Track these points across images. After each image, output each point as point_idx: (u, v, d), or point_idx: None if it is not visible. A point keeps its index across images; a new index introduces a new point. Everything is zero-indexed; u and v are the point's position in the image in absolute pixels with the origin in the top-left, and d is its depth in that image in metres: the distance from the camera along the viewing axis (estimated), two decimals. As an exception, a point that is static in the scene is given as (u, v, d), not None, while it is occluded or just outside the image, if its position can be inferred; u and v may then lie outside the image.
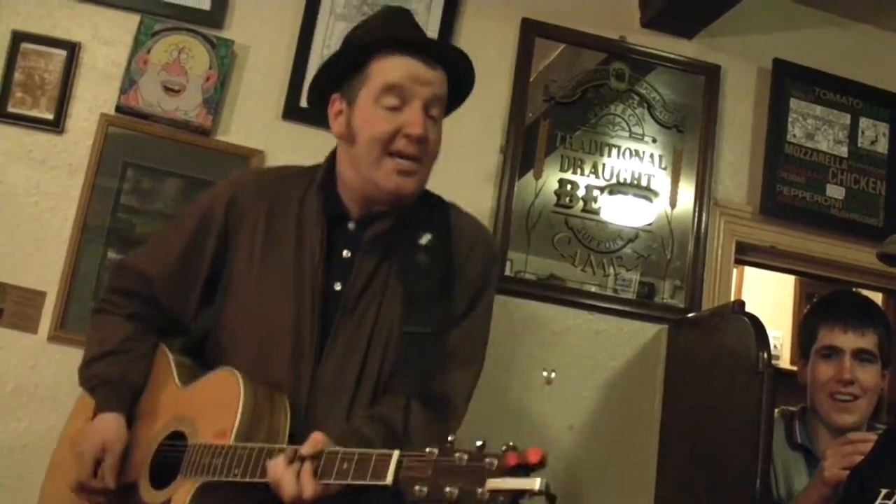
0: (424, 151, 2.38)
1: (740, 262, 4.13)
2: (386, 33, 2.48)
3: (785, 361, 6.26)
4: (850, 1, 4.19)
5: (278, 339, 2.38)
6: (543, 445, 3.53)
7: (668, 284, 3.82)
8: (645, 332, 3.78)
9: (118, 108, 3.46)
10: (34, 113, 3.42)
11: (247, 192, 2.57)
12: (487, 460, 1.67)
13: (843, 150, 4.14)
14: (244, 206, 2.54)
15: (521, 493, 1.64)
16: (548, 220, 3.74)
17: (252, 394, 2.23)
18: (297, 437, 2.19)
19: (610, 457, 3.66)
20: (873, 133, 4.19)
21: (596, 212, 3.80)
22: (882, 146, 4.19)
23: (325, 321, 2.38)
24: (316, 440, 2.04)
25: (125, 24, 3.53)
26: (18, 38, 3.45)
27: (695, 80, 4.02)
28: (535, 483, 1.62)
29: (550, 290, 3.72)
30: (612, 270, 3.76)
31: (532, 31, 3.86)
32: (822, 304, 3.43)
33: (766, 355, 3.13)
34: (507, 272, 3.63)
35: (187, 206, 2.83)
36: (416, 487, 1.73)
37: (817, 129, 4.12)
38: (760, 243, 4.02)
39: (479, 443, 1.72)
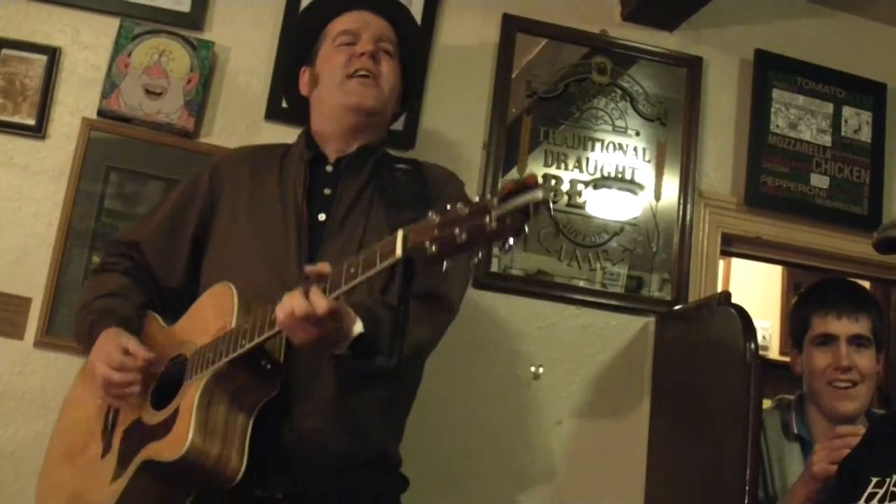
0: (380, 73, 2.68)
1: (726, 253, 4.12)
2: None
3: (774, 352, 6.27)
4: (831, -10, 4.20)
5: (265, 267, 2.47)
6: (532, 441, 3.58)
7: (655, 277, 3.82)
8: (632, 326, 3.78)
9: (100, 112, 3.44)
10: (15, 119, 3.41)
11: (230, 160, 2.85)
12: (487, 198, 1.73)
13: (827, 140, 4.14)
14: (228, 170, 2.76)
15: (526, 213, 1.67)
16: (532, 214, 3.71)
17: (245, 294, 2.33)
18: (291, 350, 2.27)
19: (599, 451, 3.66)
20: (856, 122, 4.19)
21: (581, 206, 3.79)
22: (865, 134, 4.20)
23: (313, 249, 2.49)
24: (321, 265, 2.09)
25: (105, 28, 3.52)
26: (-2, 44, 3.44)
27: (677, 72, 4.02)
28: (539, 192, 1.67)
29: (537, 286, 3.71)
30: (598, 264, 3.76)
31: (513, 27, 3.85)
32: (812, 293, 3.43)
33: (753, 346, 3.12)
34: (494, 269, 3.63)
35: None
36: (426, 245, 1.78)
37: (800, 118, 4.12)
38: (746, 234, 4.02)
39: (475, 198, 1.78)
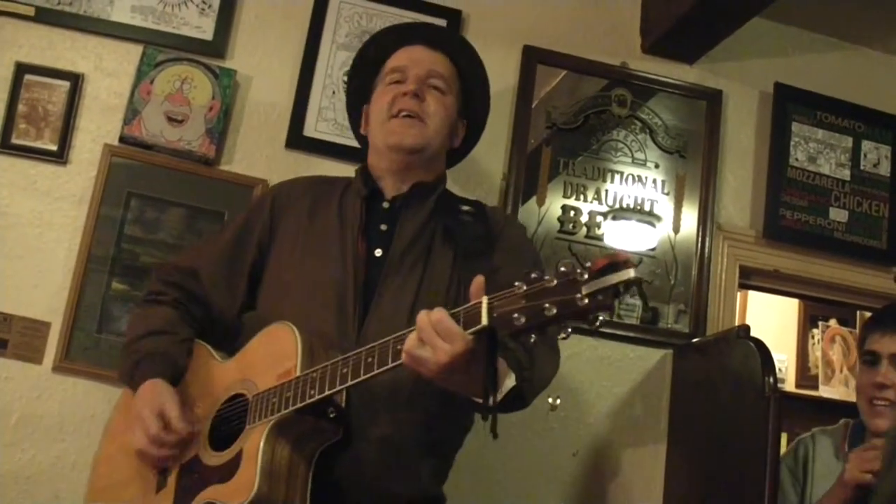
0: (424, 111, 2.65)
1: (744, 286, 4.12)
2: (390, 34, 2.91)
3: (790, 385, 6.25)
4: (851, 24, 4.21)
5: (322, 302, 2.44)
6: (548, 472, 3.56)
7: (671, 309, 3.81)
8: (650, 358, 3.77)
9: (122, 139, 3.46)
10: (38, 144, 3.43)
11: (291, 189, 2.79)
12: (578, 271, 1.71)
13: (846, 174, 4.15)
14: (289, 200, 2.73)
15: (617, 290, 1.67)
16: (551, 246, 3.73)
17: (307, 337, 2.28)
18: (348, 393, 2.24)
19: (615, 483, 3.65)
20: (875, 156, 4.20)
21: (599, 237, 3.79)
22: (884, 169, 4.20)
23: (368, 285, 2.47)
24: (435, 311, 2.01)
25: (128, 55, 3.55)
26: (22, 69, 3.46)
27: (696, 105, 4.03)
28: (631, 272, 1.66)
29: (555, 316, 3.69)
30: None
31: (533, 58, 3.88)
32: (872, 315, 3.45)
33: (772, 380, 3.12)
34: (512, 299, 3.63)
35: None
36: (514, 317, 1.77)
37: (819, 152, 4.12)
38: (764, 267, 4.02)
39: (561, 268, 1.75)
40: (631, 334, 3.76)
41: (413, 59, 2.73)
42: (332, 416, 2.21)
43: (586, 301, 1.68)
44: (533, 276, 1.78)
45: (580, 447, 3.65)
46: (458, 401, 2.20)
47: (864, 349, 3.26)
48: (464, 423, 2.61)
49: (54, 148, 3.44)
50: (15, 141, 3.42)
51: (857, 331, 5.56)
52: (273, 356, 2.31)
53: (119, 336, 3.28)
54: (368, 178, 2.70)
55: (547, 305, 1.72)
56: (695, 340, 3.75)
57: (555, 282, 1.73)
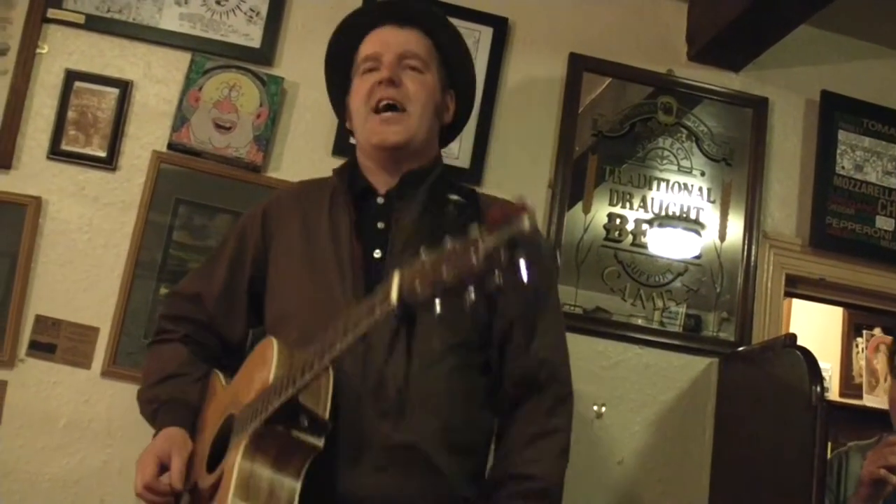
0: (404, 97, 2.47)
1: (790, 294, 4.10)
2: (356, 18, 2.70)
3: (834, 394, 6.20)
4: (898, 32, 4.19)
5: (325, 310, 2.27)
6: (593, 480, 3.54)
7: (714, 317, 3.80)
8: (695, 366, 3.76)
9: (170, 146, 3.49)
10: (87, 150, 3.47)
11: (279, 203, 2.67)
12: (473, 233, 1.57)
13: (893, 182, 4.12)
14: (278, 214, 2.62)
15: (515, 244, 1.51)
16: (597, 253, 3.74)
17: (286, 347, 2.19)
18: (353, 382, 2.22)
19: (660, 492, 3.64)
20: (922, 164, 4.17)
21: (645, 245, 3.80)
22: (931, 177, 4.17)
23: (370, 290, 2.20)
24: None
25: (177, 63, 3.59)
26: (72, 76, 3.50)
27: (742, 112, 4.01)
28: (523, 223, 1.51)
29: (598, 324, 3.70)
30: (661, 304, 3.75)
31: (580, 66, 3.88)
32: None
33: (819, 389, 3.10)
34: (556, 306, 3.63)
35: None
36: (416, 287, 1.64)
37: (866, 160, 4.10)
38: (810, 276, 3.99)
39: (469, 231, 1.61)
40: (676, 342, 3.76)
41: (384, 43, 2.55)
42: (305, 424, 2.07)
43: (483, 264, 1.53)
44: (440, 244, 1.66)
45: (626, 455, 3.64)
46: (477, 403, 2.30)
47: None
48: (487, 425, 2.49)
49: (103, 154, 3.47)
50: (65, 147, 3.46)
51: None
52: (254, 371, 2.23)
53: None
54: (357, 175, 2.58)
55: (445, 275, 1.59)
56: (741, 349, 3.73)
57: (454, 246, 1.60)
